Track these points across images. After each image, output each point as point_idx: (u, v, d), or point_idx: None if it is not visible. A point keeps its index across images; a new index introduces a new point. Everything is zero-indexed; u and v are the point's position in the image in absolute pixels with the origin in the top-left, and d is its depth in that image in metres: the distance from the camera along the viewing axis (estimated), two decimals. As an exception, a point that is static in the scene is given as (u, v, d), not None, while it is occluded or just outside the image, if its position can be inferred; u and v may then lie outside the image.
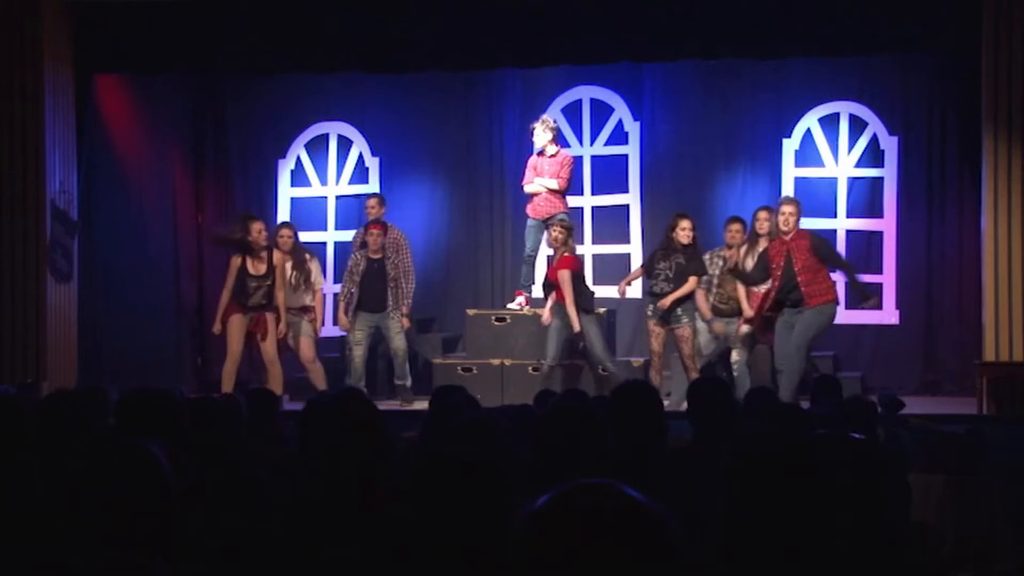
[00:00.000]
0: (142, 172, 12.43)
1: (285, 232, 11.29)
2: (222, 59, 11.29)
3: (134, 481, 2.67)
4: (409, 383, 11.17)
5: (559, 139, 11.50)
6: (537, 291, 11.63)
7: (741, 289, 10.38)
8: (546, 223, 11.28)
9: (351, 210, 12.88)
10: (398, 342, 11.10)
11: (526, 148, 11.65)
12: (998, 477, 7.46)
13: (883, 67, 11.98)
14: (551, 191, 11.19)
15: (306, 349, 11.12)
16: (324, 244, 12.87)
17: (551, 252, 11.36)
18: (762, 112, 12.33)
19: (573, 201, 12.09)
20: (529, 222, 11.36)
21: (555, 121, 11.54)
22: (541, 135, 11.20)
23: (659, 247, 10.55)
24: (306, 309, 11.22)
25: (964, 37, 10.16)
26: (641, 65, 12.11)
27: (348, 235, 12.70)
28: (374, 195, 11.85)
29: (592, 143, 12.68)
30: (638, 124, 12.57)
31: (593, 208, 12.60)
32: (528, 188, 11.32)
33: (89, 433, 4.63)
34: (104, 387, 5.84)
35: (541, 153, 11.25)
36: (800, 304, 9.80)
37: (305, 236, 12.56)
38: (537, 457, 4.12)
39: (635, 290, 12.44)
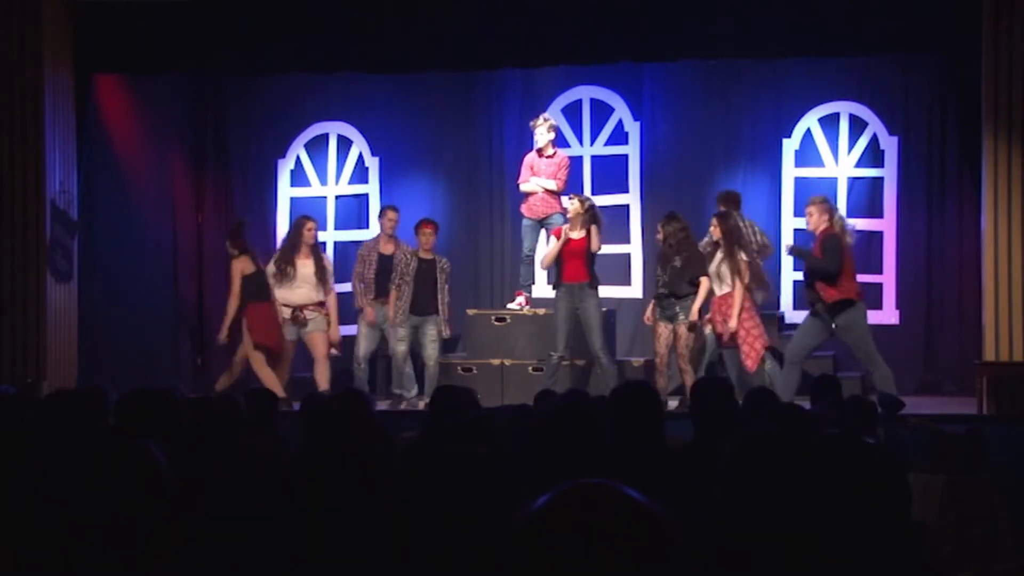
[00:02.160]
0: (142, 172, 12.42)
1: (312, 224, 11.20)
2: (222, 59, 11.28)
3: (134, 481, 2.67)
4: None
5: (558, 140, 11.51)
6: (537, 291, 11.63)
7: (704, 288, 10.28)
8: (542, 223, 11.29)
9: (351, 210, 12.88)
10: (431, 350, 10.87)
11: (526, 148, 11.64)
12: (998, 477, 7.47)
13: (883, 67, 11.98)
14: (548, 191, 11.19)
15: (320, 344, 11.02)
16: (324, 244, 12.85)
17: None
18: (762, 112, 12.33)
19: (573, 201, 12.09)
20: (525, 222, 11.36)
21: (555, 121, 11.55)
22: (544, 134, 11.18)
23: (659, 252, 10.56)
24: (322, 304, 11.07)
25: (964, 37, 10.15)
26: (641, 65, 12.11)
27: (348, 235, 12.71)
28: (394, 208, 11.69)
29: (592, 143, 12.67)
30: (638, 124, 12.57)
31: (593, 208, 12.59)
32: (524, 187, 11.31)
33: (89, 433, 4.63)
34: (104, 387, 5.84)
35: (540, 152, 11.25)
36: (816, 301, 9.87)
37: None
38: (537, 457, 4.12)
39: (635, 290, 12.45)
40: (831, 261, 9.84)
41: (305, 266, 10.97)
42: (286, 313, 10.92)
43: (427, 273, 10.87)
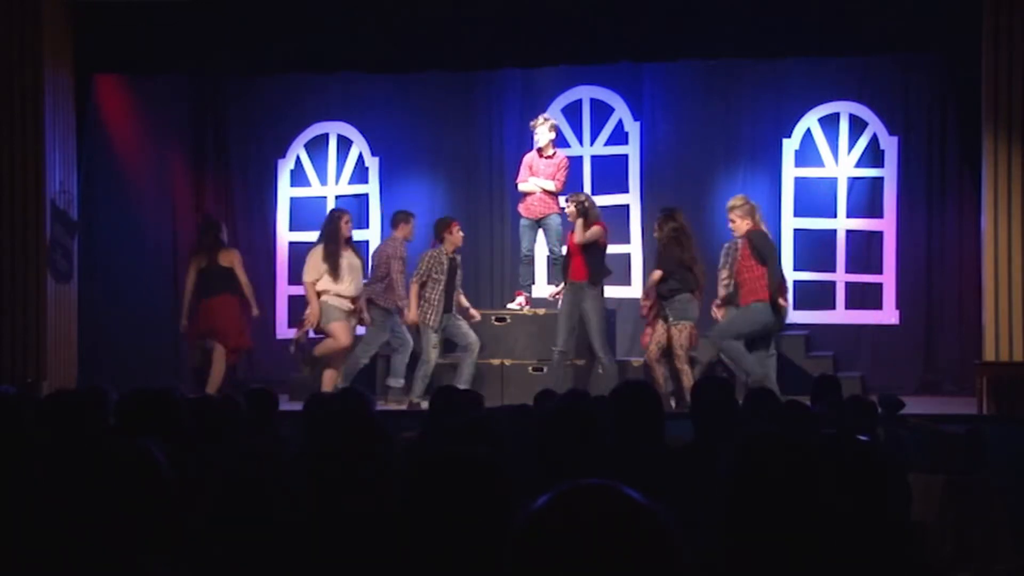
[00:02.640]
0: (142, 172, 12.43)
1: (348, 217, 11.20)
2: (222, 59, 11.27)
3: (134, 481, 2.67)
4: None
5: (558, 140, 11.50)
6: (537, 291, 11.64)
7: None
8: (539, 223, 11.30)
9: (351, 210, 12.86)
10: (474, 336, 10.86)
11: (526, 148, 11.64)
12: (998, 477, 7.47)
13: (883, 67, 11.98)
14: (546, 191, 11.19)
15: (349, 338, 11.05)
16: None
17: (550, 251, 11.40)
18: (762, 112, 12.33)
19: (573, 201, 12.10)
20: (523, 222, 11.37)
21: (555, 120, 11.55)
22: (546, 134, 11.17)
23: None
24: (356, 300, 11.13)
25: (964, 37, 10.14)
26: (641, 65, 12.11)
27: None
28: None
29: (592, 143, 12.67)
30: (638, 124, 12.57)
31: (593, 208, 12.59)
32: (522, 186, 11.31)
33: (89, 433, 4.63)
34: (104, 387, 5.84)
35: (540, 152, 11.24)
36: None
37: (304, 236, 12.59)
38: (537, 457, 4.12)
39: (635, 290, 12.45)
40: (770, 256, 10.05)
41: (351, 257, 10.99)
42: (345, 306, 10.90)
43: (453, 271, 10.88)
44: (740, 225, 10.13)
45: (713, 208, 12.21)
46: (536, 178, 11.21)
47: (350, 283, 10.93)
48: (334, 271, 10.84)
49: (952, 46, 10.48)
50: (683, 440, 5.34)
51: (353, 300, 10.95)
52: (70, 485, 2.68)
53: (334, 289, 10.88)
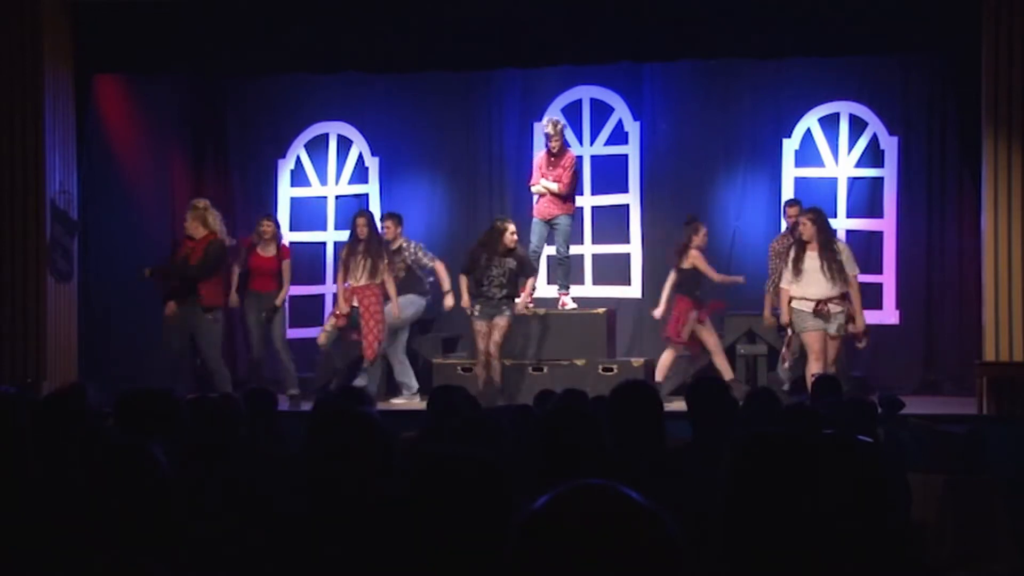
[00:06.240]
0: (142, 172, 12.43)
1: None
2: (222, 59, 11.27)
3: (134, 481, 2.67)
4: None
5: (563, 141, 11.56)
6: (539, 292, 11.66)
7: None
8: (549, 223, 11.36)
9: (351, 210, 12.86)
10: None
11: (526, 148, 11.67)
12: (998, 477, 7.47)
13: (883, 67, 11.98)
14: (553, 193, 11.25)
15: None
16: (324, 244, 12.88)
17: (553, 251, 11.45)
18: (762, 112, 12.33)
19: (573, 201, 12.12)
20: (534, 220, 11.45)
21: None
22: (560, 138, 11.26)
23: (483, 251, 10.68)
24: None
25: (964, 37, 10.14)
26: (641, 65, 12.11)
27: (347, 235, 12.69)
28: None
29: (592, 143, 12.68)
30: (638, 124, 12.57)
31: (593, 208, 12.60)
32: (534, 189, 11.44)
33: (89, 433, 4.63)
34: (82, 383, 5.83)
35: (549, 153, 11.30)
36: None
37: (305, 236, 12.60)
38: (537, 457, 4.12)
39: (635, 290, 12.46)
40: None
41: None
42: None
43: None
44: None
45: (713, 208, 12.21)
46: (545, 180, 11.29)
47: None
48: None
49: (952, 46, 10.48)
50: (683, 440, 5.34)
51: None
52: (70, 485, 2.68)
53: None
